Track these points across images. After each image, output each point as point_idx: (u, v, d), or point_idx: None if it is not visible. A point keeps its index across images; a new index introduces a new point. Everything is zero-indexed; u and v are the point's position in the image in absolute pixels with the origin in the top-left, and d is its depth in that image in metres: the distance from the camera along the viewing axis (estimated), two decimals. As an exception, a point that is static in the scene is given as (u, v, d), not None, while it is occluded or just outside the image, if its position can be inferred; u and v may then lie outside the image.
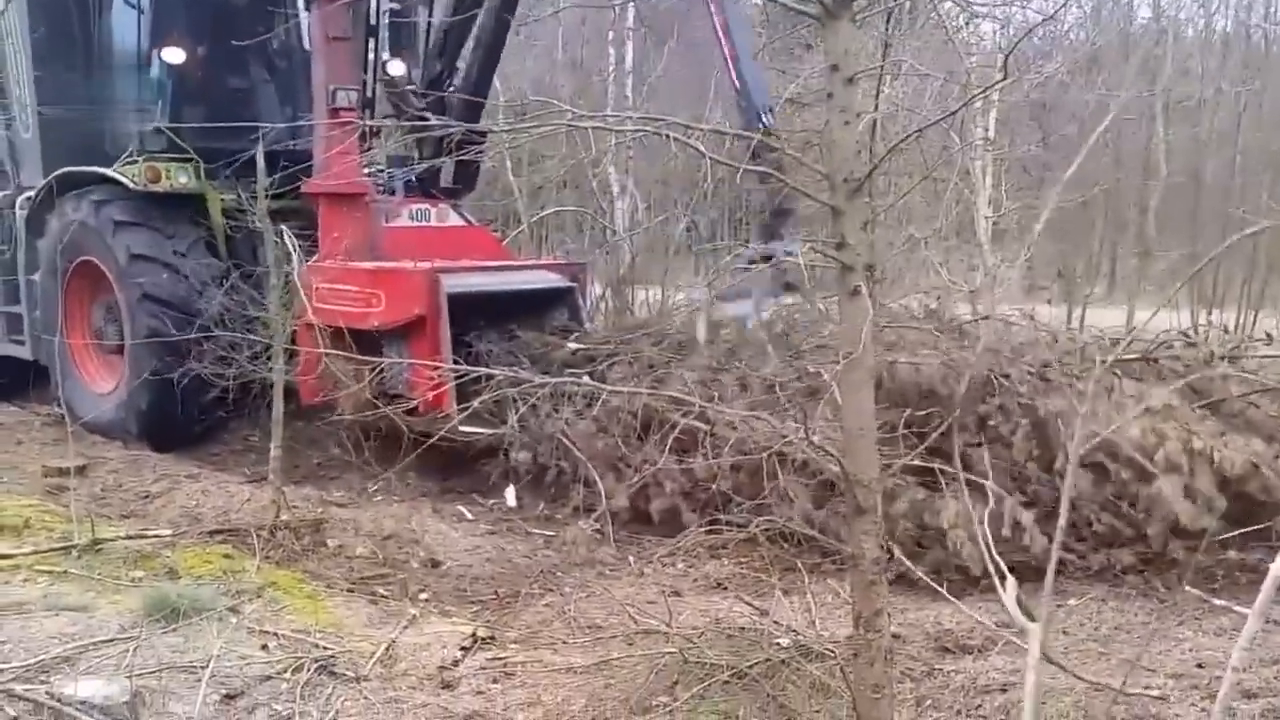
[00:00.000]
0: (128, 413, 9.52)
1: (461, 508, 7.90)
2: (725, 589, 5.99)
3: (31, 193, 10.47)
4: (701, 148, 2.74)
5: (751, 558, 6.25)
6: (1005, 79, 2.64)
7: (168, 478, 8.39)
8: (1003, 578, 2.75)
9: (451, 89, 9.81)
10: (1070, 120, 14.77)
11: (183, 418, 9.16)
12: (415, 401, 7.96)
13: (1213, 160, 13.76)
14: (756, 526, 5.94)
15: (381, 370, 7.99)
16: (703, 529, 6.17)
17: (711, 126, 2.61)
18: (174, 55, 9.63)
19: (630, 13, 14.73)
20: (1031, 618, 2.69)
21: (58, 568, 5.97)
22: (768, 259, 8.48)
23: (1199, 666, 4.92)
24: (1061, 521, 2.22)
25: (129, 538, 6.57)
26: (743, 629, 5.22)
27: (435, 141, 9.58)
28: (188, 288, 9.20)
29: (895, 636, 5.31)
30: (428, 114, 9.17)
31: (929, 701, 4.79)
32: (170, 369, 8.58)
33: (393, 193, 9.97)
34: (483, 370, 5.68)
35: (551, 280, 9.02)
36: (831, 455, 2.66)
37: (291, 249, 7.83)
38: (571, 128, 3.12)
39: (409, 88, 9.86)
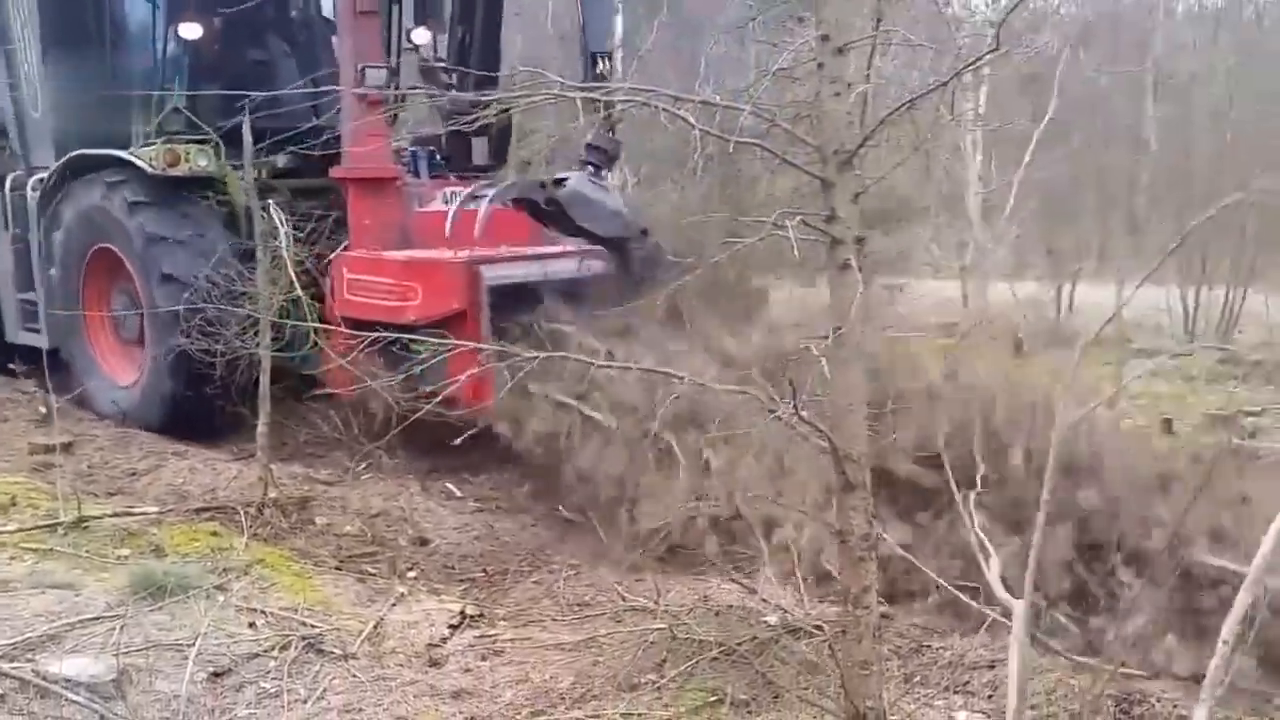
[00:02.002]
0: (150, 403, 9.14)
1: (450, 485, 7.88)
2: (714, 566, 5.97)
3: (44, 174, 10.06)
4: (691, 119, 2.71)
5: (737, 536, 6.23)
6: (996, 50, 2.61)
7: (154, 455, 8.34)
8: (988, 556, 2.74)
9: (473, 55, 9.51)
10: (1061, 95, 14.73)
11: (208, 405, 8.58)
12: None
13: (1204, 136, 13.74)
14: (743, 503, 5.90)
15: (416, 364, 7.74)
16: (690, 511, 6.12)
17: (701, 98, 2.57)
18: (191, 31, 9.32)
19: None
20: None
21: (44, 545, 5.93)
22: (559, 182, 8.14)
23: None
24: (1044, 494, 2.20)
25: (115, 515, 6.53)
26: (730, 607, 5.22)
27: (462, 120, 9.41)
28: (207, 262, 8.66)
29: (884, 615, 5.32)
30: (454, 88, 8.90)
31: (917, 678, 4.80)
32: (192, 355, 7.98)
33: (417, 174, 9.57)
34: (470, 345, 5.57)
35: (594, 267, 8.48)
36: (820, 430, 2.65)
37: (279, 223, 7.58)
38: (560, 98, 3.08)
39: (438, 64, 9.51)
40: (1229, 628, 1.89)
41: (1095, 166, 13.52)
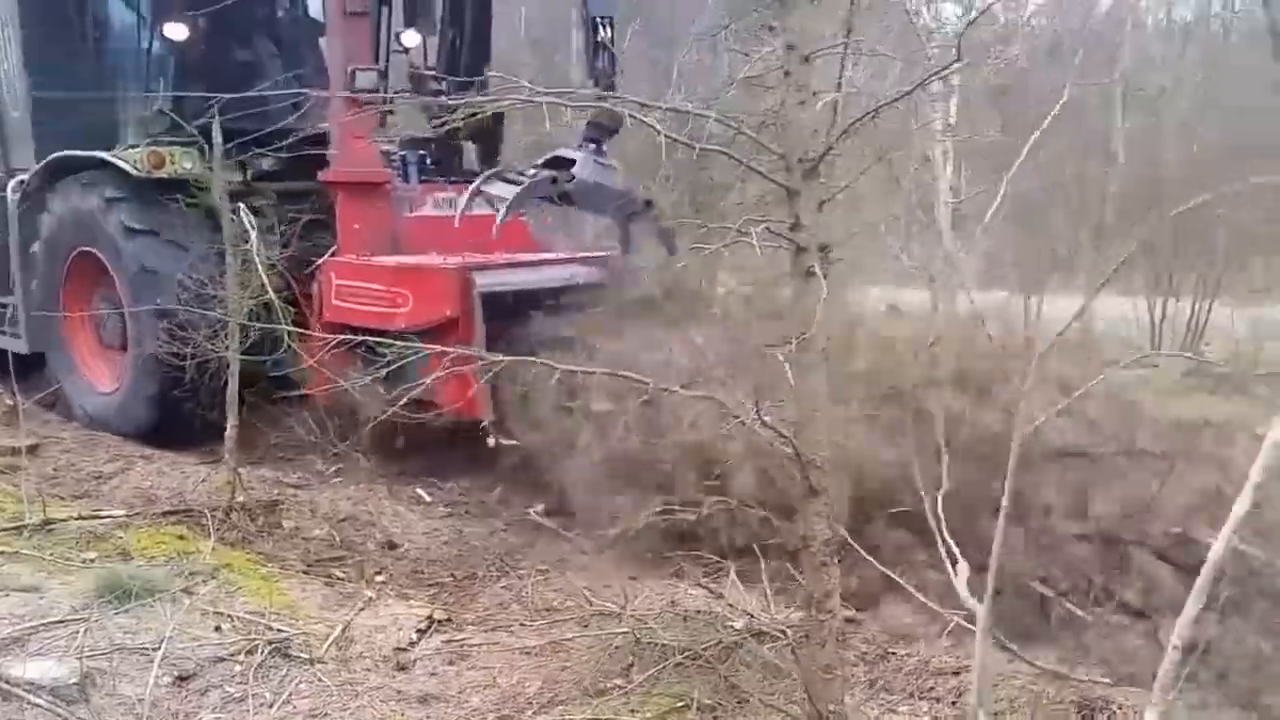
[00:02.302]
0: (132, 408, 8.95)
1: (420, 490, 7.86)
2: (682, 573, 5.99)
3: (24, 176, 9.88)
4: (657, 125, 2.73)
5: (707, 541, 6.25)
6: (959, 61, 2.64)
7: (122, 458, 8.30)
8: (954, 561, 2.76)
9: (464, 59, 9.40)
10: (1031, 106, 14.83)
11: (193, 410, 8.25)
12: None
13: (1172, 148, 13.90)
14: (708, 508, 5.91)
15: (403, 373, 7.53)
16: (655, 512, 6.12)
17: (668, 105, 2.58)
18: (176, 31, 9.08)
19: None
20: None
21: (8, 548, 5.91)
22: (565, 163, 8.04)
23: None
24: (1005, 503, 2.23)
25: (81, 518, 6.51)
26: (698, 612, 5.24)
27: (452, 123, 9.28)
28: (190, 264, 8.51)
29: (850, 621, 5.35)
30: (443, 93, 8.73)
31: (882, 684, 4.83)
32: (175, 357, 7.72)
33: (407, 179, 9.41)
34: (454, 350, 5.48)
35: (589, 274, 8.32)
36: (784, 436, 2.67)
37: (248, 226, 7.44)
38: (527, 104, 3.10)
39: (428, 71, 9.37)
40: (1179, 632, 1.92)
41: (1065, 178, 13.62)
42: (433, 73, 9.30)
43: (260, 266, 7.01)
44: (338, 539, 6.73)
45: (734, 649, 4.81)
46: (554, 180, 7.97)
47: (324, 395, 7.93)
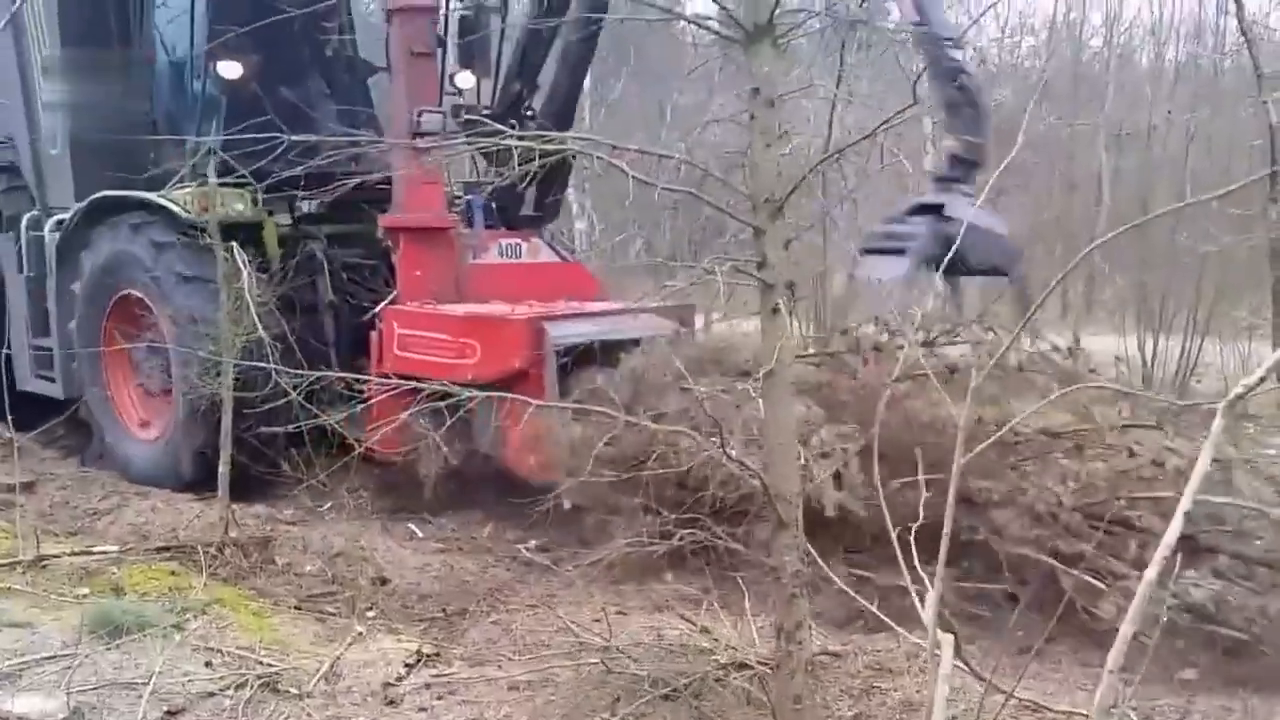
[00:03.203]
0: (177, 458, 8.56)
1: (412, 526, 7.91)
2: (668, 606, 6.03)
3: (62, 216, 9.56)
4: (624, 167, 2.80)
5: (693, 574, 6.29)
6: (914, 104, 2.72)
7: (117, 494, 8.36)
8: (923, 591, 2.81)
9: (530, 113, 9.11)
10: (1024, 147, 14.91)
11: (243, 459, 7.79)
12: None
13: (1162, 187, 14.03)
14: (683, 540, 5.96)
15: (469, 427, 7.30)
16: (629, 544, 6.14)
17: (636, 147, 2.66)
18: (230, 70, 8.76)
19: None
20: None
21: (2, 584, 5.95)
22: (933, 209, 7.46)
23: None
24: (945, 528, 2.29)
25: (74, 554, 6.56)
26: (682, 645, 5.27)
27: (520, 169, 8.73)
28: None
29: (834, 654, 5.38)
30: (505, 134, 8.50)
31: (866, 717, 4.85)
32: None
33: (471, 224, 9.05)
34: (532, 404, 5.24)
35: (662, 326, 7.86)
36: (751, 470, 2.73)
37: (241, 265, 7.32)
38: (510, 146, 3.18)
39: (485, 113, 8.88)
40: (1114, 657, 1.97)
41: (1054, 216, 13.76)
42: (488, 111, 8.95)
43: (251, 305, 6.97)
44: (330, 574, 6.76)
45: (716, 682, 4.84)
46: (937, 234, 7.30)
47: (384, 446, 7.62)
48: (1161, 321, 14.02)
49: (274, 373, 5.99)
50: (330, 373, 6.59)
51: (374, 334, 8.20)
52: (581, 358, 7.49)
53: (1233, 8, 8.93)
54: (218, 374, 6.81)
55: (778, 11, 2.61)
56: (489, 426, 7.35)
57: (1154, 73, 21.60)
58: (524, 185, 8.76)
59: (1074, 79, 18.46)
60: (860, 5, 8.48)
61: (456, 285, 8.41)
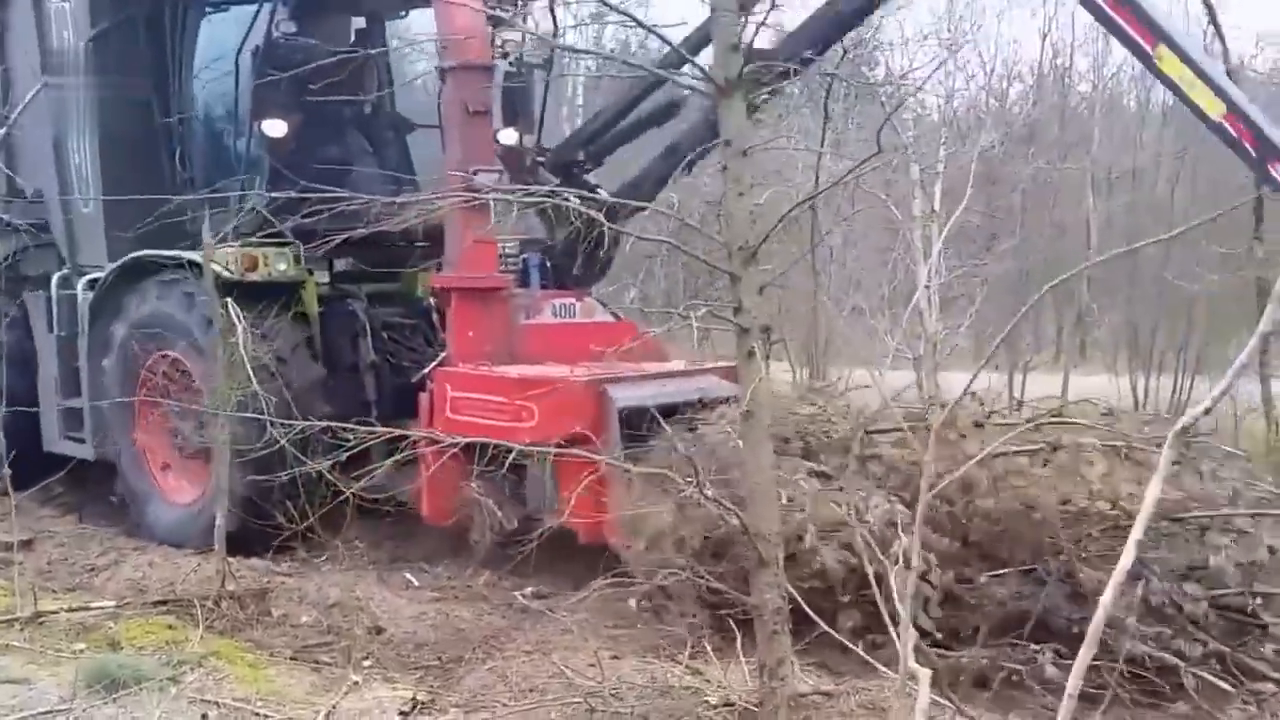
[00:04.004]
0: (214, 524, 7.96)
1: (408, 575, 7.92)
2: (661, 649, 6.07)
3: (95, 275, 9.30)
4: (600, 216, 2.88)
5: (685, 617, 6.32)
6: (879, 153, 2.80)
7: (114, 550, 8.38)
8: (905, 628, 2.86)
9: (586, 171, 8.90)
10: (1012, 191, 15.15)
11: (293, 524, 7.51)
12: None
13: (1150, 229, 14.16)
14: (663, 580, 5.99)
15: (524, 494, 7.26)
16: (606, 582, 6.15)
17: (608, 198, 2.73)
18: (275, 129, 8.63)
19: (580, 89, 14.96)
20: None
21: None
22: None
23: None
24: (914, 561, 2.34)
25: (71, 610, 6.58)
26: (678, 688, 5.30)
27: (575, 228, 7.99)
28: (285, 375, 8.06)
29: (826, 694, 5.41)
30: (560, 188, 7.56)
31: (857, 756, 4.89)
32: (265, 474, 7.28)
33: (526, 283, 8.77)
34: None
35: (723, 388, 7.48)
36: (730, 509, 2.79)
37: (236, 320, 7.30)
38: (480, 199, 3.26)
39: (539, 159, 8.82)
40: (1072, 681, 2.03)
41: (1043, 260, 13.90)
42: (542, 160, 8.82)
43: (246, 361, 6.96)
44: (325, 625, 6.77)
45: (708, 721, 4.87)
46: None
47: (435, 510, 7.71)
48: (1152, 361, 14.11)
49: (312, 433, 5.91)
50: (328, 422, 6.49)
51: (424, 395, 8.04)
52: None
53: (1218, 49, 9.04)
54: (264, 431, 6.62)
55: (749, 66, 2.70)
56: (544, 490, 7.24)
57: (1141, 116, 21.89)
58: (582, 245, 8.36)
59: (1061, 123, 18.65)
60: (842, 59, 8.52)
61: (510, 346, 8.22)
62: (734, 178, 2.74)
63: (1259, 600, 5.59)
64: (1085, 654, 1.99)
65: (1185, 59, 6.02)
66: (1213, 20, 7.96)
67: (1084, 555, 5.76)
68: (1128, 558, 1.98)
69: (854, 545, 5.15)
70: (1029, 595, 5.72)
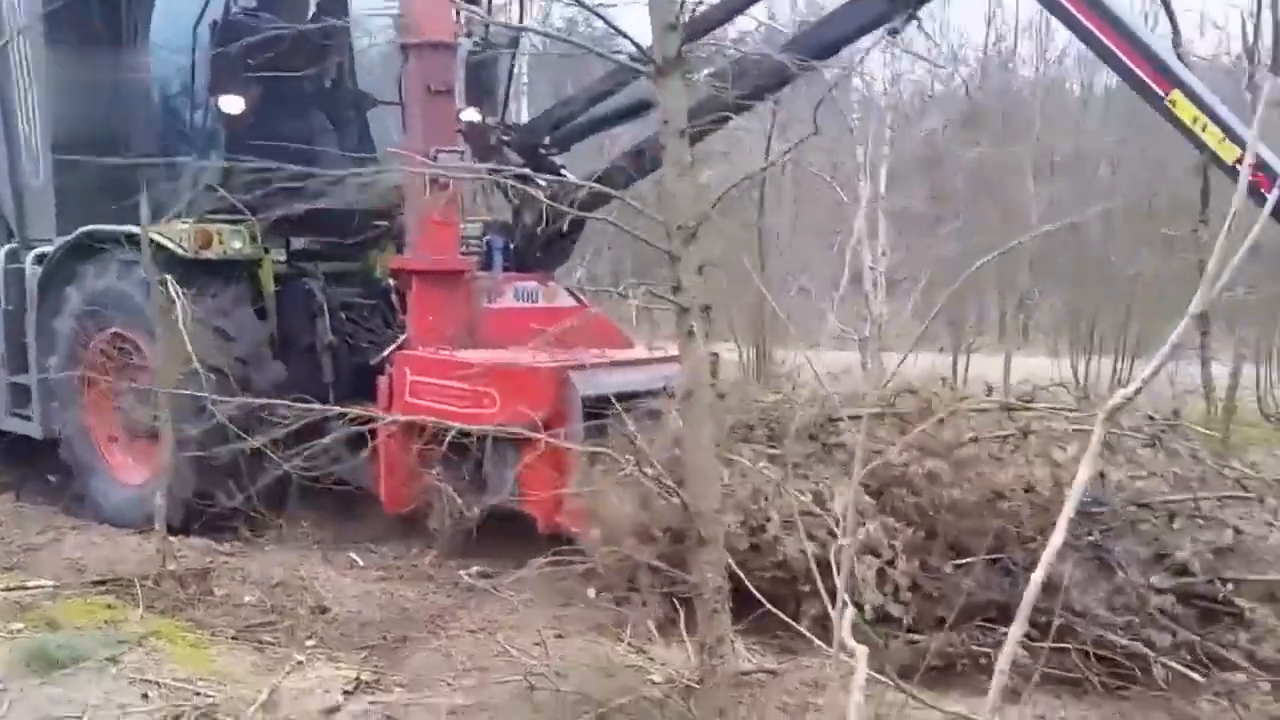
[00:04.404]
0: (167, 504, 7.72)
1: (353, 555, 7.88)
2: (607, 628, 6.09)
3: (44, 249, 9.15)
4: (539, 194, 2.87)
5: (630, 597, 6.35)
6: (815, 133, 2.82)
7: (53, 529, 8.28)
8: (845, 607, 2.89)
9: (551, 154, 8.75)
10: (956, 174, 15.30)
11: (236, 504, 7.54)
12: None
13: (1094, 213, 14.32)
14: (601, 559, 6.01)
15: (484, 480, 7.17)
16: (546, 561, 6.15)
17: (547, 176, 2.73)
18: (232, 104, 8.43)
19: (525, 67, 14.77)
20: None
21: (-64, 621, 5.90)
22: None
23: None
24: (844, 539, 2.37)
25: (9, 590, 6.52)
26: (622, 667, 5.33)
27: (539, 211, 8.37)
28: (236, 353, 8.01)
29: (771, 672, 5.47)
30: (526, 168, 7.31)
31: (801, 734, 4.94)
32: (212, 454, 6.96)
33: (489, 266, 8.73)
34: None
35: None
36: (671, 488, 2.80)
37: (175, 296, 7.21)
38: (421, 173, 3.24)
39: (504, 138, 8.69)
40: (1004, 658, 2.06)
41: (987, 243, 14.01)
42: (507, 139, 8.69)
43: (187, 339, 6.88)
44: (269, 604, 6.72)
45: (656, 702, 4.90)
46: None
47: (393, 496, 7.67)
48: (1093, 343, 14.29)
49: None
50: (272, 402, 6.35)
51: (383, 379, 7.95)
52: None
53: (1168, 30, 9.13)
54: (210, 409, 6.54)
55: (687, 47, 2.70)
56: (504, 477, 7.15)
57: (1084, 100, 22.13)
58: (544, 228, 8.53)
59: (1005, 107, 18.83)
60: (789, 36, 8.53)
61: (471, 330, 8.16)
62: (673, 158, 2.75)
63: (1230, 587, 5.56)
64: (1016, 631, 2.02)
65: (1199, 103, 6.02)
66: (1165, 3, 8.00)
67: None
68: (1058, 537, 2.01)
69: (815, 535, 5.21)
70: (995, 585, 5.75)
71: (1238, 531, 5.74)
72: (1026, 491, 5.89)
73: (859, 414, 6.46)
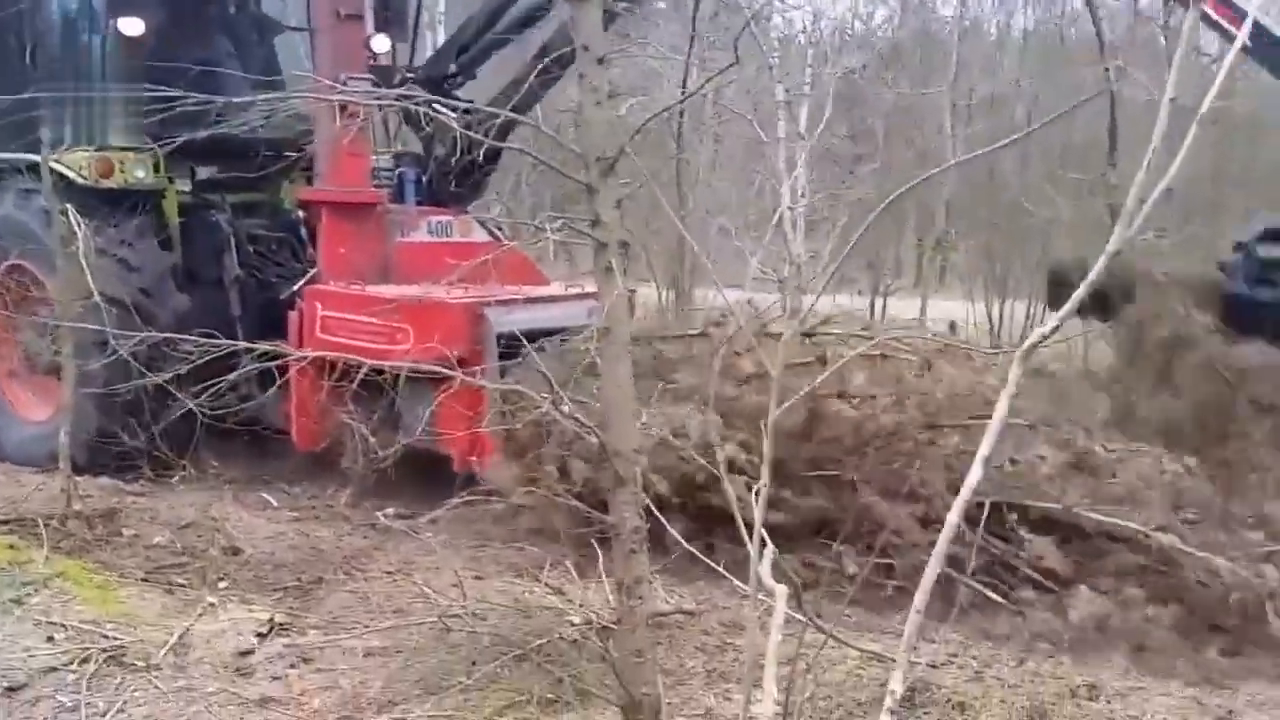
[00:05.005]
0: (71, 443, 7.36)
1: (266, 495, 7.80)
2: (525, 570, 6.08)
3: None
4: (454, 123, 2.80)
5: (548, 538, 6.34)
6: (735, 64, 2.79)
7: (-49, 469, 8.08)
8: (763, 544, 2.88)
9: (458, 85, 8.69)
10: (875, 114, 15.31)
11: (139, 443, 7.55)
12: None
13: (1007, 155, 14.47)
14: (519, 496, 5.99)
15: (398, 418, 7.08)
16: (461, 502, 6.12)
17: (464, 104, 2.66)
18: (132, 26, 8.19)
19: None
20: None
21: None
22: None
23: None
24: (763, 482, 2.36)
25: (-94, 531, 6.32)
26: (540, 608, 5.32)
27: (451, 142, 8.21)
28: (138, 284, 7.82)
29: (689, 613, 5.50)
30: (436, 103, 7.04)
31: (720, 674, 4.97)
32: (113, 390, 6.81)
33: (401, 199, 8.66)
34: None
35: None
36: (588, 427, 2.77)
37: (76, 226, 6.99)
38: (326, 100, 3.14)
39: (409, 75, 8.57)
40: (919, 598, 2.07)
41: (903, 185, 14.14)
42: (412, 75, 8.58)
43: (87, 269, 6.69)
44: (179, 546, 6.60)
45: (573, 643, 4.90)
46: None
47: (305, 435, 7.55)
48: (1007, 287, 14.47)
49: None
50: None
51: (293, 314, 7.82)
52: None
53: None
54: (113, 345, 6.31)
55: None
56: (419, 415, 6.98)
57: (1000, 42, 22.27)
58: (457, 159, 8.38)
59: (924, 47, 18.92)
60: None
61: (384, 265, 8.07)
62: (591, 86, 2.68)
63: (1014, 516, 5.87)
64: (930, 571, 2.02)
65: None
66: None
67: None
68: (974, 475, 2.01)
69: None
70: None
71: (1013, 463, 6.08)
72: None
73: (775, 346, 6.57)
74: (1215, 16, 6.59)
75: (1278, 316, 6.92)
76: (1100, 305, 7.00)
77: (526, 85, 7.70)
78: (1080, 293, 2.26)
